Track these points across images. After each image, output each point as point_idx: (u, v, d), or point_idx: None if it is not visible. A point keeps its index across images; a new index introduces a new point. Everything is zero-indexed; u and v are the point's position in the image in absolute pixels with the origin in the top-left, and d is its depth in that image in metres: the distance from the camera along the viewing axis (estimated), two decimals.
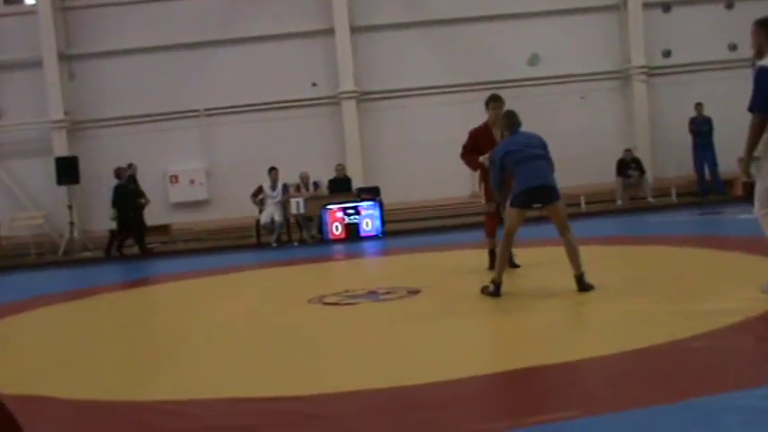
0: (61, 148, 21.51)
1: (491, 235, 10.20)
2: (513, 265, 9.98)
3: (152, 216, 21.27)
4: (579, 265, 8.05)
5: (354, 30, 21.82)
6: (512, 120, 8.62)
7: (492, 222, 10.29)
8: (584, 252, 9.23)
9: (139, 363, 6.84)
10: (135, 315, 10.14)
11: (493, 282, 8.26)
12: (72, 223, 20.61)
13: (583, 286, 7.96)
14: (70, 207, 20.60)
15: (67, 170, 20.49)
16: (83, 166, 20.89)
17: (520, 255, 10.45)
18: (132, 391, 5.66)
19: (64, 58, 22.00)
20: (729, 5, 21.89)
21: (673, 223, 15.54)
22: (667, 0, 21.96)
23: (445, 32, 22.03)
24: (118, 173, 19.10)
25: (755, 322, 6.04)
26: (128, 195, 18.96)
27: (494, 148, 9.07)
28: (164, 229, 21.40)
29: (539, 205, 8.40)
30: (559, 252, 9.09)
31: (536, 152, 8.27)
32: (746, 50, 22.08)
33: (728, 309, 6.55)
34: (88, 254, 20.18)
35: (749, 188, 8.11)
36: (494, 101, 10.11)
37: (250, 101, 21.86)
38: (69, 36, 22.28)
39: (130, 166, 19.62)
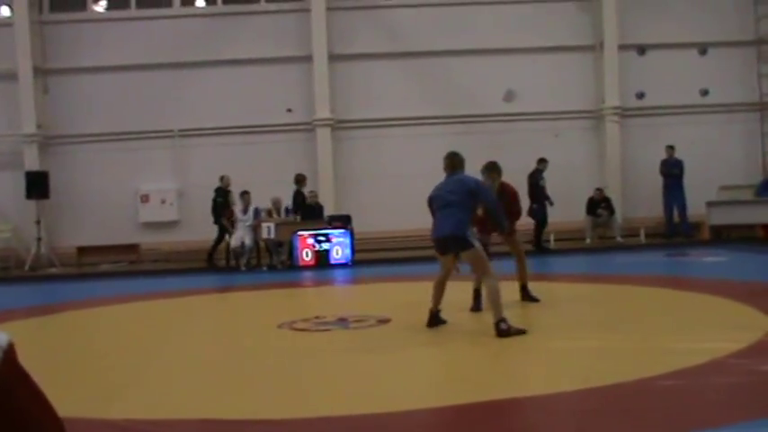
0: (32, 163, 21.30)
1: None
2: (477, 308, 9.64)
3: (121, 235, 21.21)
4: (496, 313, 7.88)
5: (332, 58, 21.91)
6: (450, 162, 8.73)
7: None
8: (553, 288, 9.35)
9: (105, 381, 6.79)
10: (101, 333, 10.06)
11: (430, 311, 8.62)
12: (39, 238, 20.43)
13: (498, 332, 7.78)
14: (38, 222, 20.42)
15: (37, 184, 20.31)
16: (53, 182, 20.73)
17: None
18: (98, 409, 5.62)
19: (39, 71, 21.85)
20: (703, 51, 22.25)
21: (640, 263, 15.68)
22: (642, 43, 22.27)
23: (423, 65, 22.19)
24: (297, 179, 19.30)
25: (721, 363, 6.12)
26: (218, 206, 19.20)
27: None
28: (132, 248, 21.30)
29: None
30: (536, 287, 9.20)
31: (450, 199, 8.32)
32: (718, 96, 22.66)
33: (695, 349, 6.63)
34: (54, 270, 20.01)
35: None
36: (488, 170, 9.92)
37: (225, 123, 21.83)
38: (45, 50, 22.17)
39: (222, 178, 19.62)
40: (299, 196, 19.13)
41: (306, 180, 19.42)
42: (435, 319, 8.64)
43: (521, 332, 7.82)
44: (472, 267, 8.43)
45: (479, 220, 9.77)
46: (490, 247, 9.96)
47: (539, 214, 19.19)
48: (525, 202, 18.69)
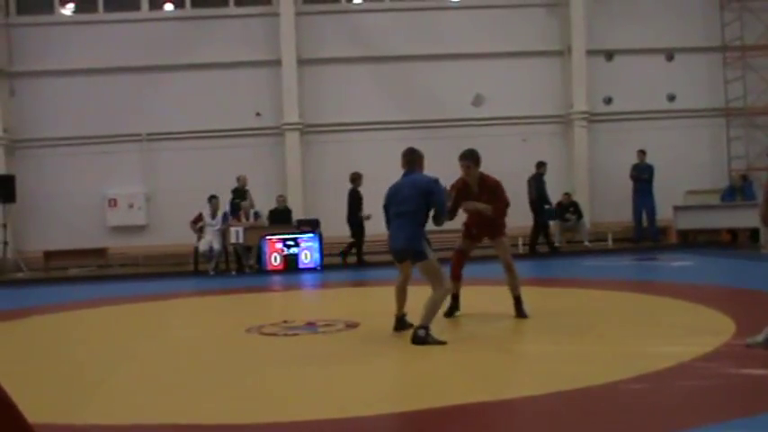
0: None
1: (455, 277, 9.47)
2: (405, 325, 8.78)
3: (88, 239, 21.05)
4: (424, 319, 7.78)
5: (301, 62, 21.91)
6: (407, 159, 8.53)
7: (458, 261, 9.65)
8: (521, 293, 9.35)
9: (72, 385, 6.71)
10: (68, 338, 9.95)
11: (395, 316, 8.66)
12: (5, 243, 20.21)
13: (415, 338, 7.70)
14: (4, 226, 20.21)
15: (3, 188, 20.10)
16: (20, 185, 20.54)
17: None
18: (64, 414, 5.56)
19: (5, 74, 21.70)
20: (670, 57, 22.50)
21: (608, 267, 15.76)
22: (610, 48, 22.46)
23: (391, 69, 22.23)
24: (353, 178, 18.98)
25: (688, 366, 6.16)
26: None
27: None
28: (100, 252, 21.18)
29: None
30: (503, 291, 9.21)
31: (403, 209, 8.21)
32: (684, 101, 22.85)
33: (662, 352, 6.68)
34: (21, 274, 19.80)
35: None
36: (462, 158, 9.44)
37: (193, 127, 21.78)
38: (12, 52, 21.99)
39: (239, 179, 19.67)
40: (354, 195, 18.86)
41: (361, 178, 18.94)
42: (401, 324, 8.62)
43: (439, 343, 7.66)
44: (425, 277, 8.21)
45: (466, 226, 9.71)
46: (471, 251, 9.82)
47: (547, 217, 19.62)
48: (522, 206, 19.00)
